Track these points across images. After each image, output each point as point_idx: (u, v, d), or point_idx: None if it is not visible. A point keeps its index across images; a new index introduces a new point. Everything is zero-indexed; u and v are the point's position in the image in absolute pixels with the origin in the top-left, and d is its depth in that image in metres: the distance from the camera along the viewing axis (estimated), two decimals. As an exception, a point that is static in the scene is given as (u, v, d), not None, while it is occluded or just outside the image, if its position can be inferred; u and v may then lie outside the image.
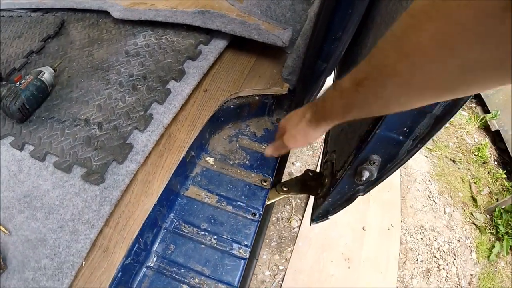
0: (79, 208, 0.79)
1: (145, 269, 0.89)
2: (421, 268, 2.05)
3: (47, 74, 1.05)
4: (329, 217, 1.06)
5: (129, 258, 0.80)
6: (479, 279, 2.06)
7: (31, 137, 0.94)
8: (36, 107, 1.01)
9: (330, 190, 0.95)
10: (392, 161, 0.77)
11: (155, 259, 0.90)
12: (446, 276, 2.03)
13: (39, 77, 1.02)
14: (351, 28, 0.87)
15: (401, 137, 0.69)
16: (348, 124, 0.95)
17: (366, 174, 0.79)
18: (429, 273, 2.03)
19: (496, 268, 2.13)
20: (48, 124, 0.97)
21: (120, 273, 0.77)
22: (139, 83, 1.03)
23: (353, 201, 0.93)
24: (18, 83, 0.99)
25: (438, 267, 2.06)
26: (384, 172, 0.81)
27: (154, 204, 0.84)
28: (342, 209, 0.99)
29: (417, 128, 0.67)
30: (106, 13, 1.36)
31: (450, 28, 0.29)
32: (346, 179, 0.86)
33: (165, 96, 0.98)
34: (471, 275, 2.07)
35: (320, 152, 2.48)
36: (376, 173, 0.79)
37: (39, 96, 1.01)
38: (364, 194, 0.90)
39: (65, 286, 0.70)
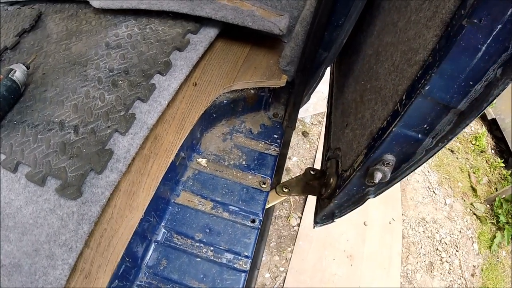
0: (55, 227, 0.69)
1: None
2: (424, 261, 2.01)
3: (18, 72, 0.94)
4: (334, 220, 0.98)
5: (116, 281, 0.70)
6: (482, 270, 2.04)
7: (1, 145, 0.83)
8: (7, 109, 0.91)
9: (336, 191, 0.87)
10: (408, 161, 0.69)
11: (145, 276, 0.81)
12: (449, 268, 2.00)
13: (9, 76, 0.92)
14: (354, 14, 0.80)
15: (419, 135, 0.62)
16: (355, 119, 0.86)
17: (378, 176, 0.70)
18: (432, 267, 1.99)
19: (498, 258, 2.11)
20: (20, 129, 0.86)
21: (106, 300, 0.67)
22: (119, 78, 0.93)
23: (362, 203, 0.85)
24: (-14, 83, 0.88)
25: (441, 260, 2.03)
26: (398, 174, 0.73)
27: (142, 215, 0.74)
28: (349, 211, 0.92)
29: (439, 125, 0.60)
30: (86, 3, 1.25)
31: None
32: (355, 180, 0.78)
33: (149, 93, 0.88)
34: (474, 266, 2.05)
35: (317, 146, 2.40)
36: (389, 175, 0.71)
37: (10, 98, 0.91)
38: (375, 197, 0.81)
39: None
